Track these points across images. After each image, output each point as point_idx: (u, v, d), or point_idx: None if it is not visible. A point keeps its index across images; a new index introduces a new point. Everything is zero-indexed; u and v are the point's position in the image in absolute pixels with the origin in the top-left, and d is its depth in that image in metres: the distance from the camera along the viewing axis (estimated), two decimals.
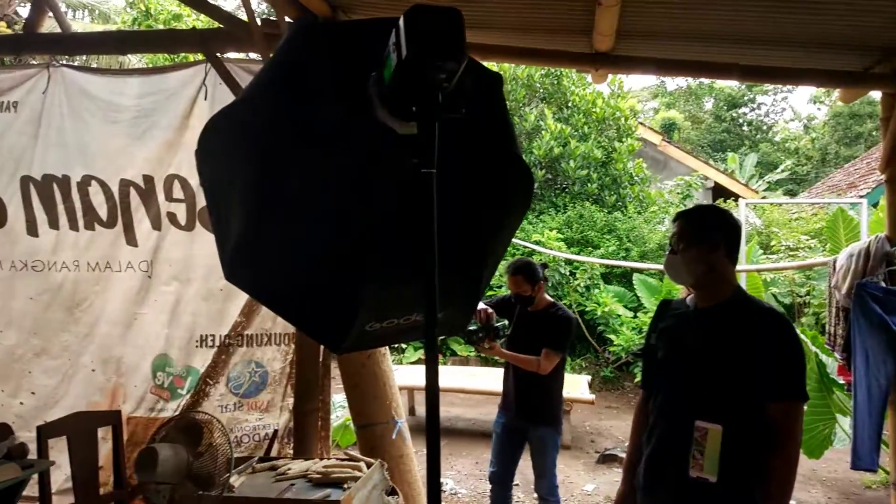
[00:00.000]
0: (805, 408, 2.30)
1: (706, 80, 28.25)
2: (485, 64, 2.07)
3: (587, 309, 9.63)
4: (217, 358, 4.14)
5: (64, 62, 4.35)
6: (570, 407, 6.86)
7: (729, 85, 27.59)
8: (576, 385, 7.03)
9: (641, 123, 14.00)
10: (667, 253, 2.42)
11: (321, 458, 3.24)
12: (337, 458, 3.14)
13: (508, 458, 4.00)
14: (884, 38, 3.44)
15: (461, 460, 6.34)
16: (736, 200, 11.54)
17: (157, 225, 4.22)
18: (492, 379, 7.06)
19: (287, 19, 3.51)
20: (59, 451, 3.46)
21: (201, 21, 10.52)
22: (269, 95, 1.67)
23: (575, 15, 3.36)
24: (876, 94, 4.31)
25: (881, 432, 3.98)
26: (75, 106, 4.21)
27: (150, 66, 9.74)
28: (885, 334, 3.86)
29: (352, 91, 1.47)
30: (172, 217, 4.21)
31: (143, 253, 4.22)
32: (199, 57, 4.16)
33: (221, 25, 3.84)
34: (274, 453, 3.78)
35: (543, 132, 11.65)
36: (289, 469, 2.94)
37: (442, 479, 5.67)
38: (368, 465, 3.00)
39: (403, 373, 7.49)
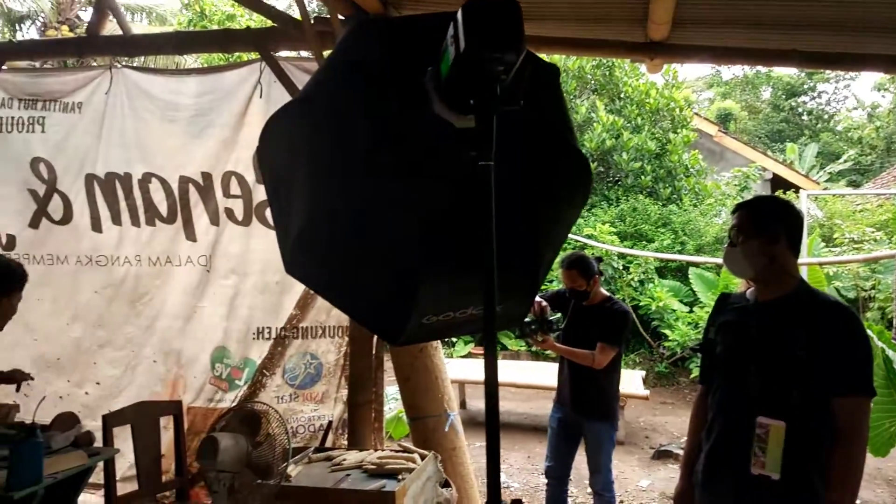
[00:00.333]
0: (871, 404, 2.21)
1: (763, 69, 27.44)
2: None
3: (641, 304, 9.48)
4: (273, 350, 4.22)
5: (124, 63, 4.49)
6: (624, 402, 6.76)
7: (788, 73, 26.76)
8: (630, 380, 6.94)
9: (697, 114, 13.70)
10: (726, 246, 2.36)
11: (375, 450, 3.27)
12: (391, 450, 3.17)
13: (564, 453, 3.98)
14: None
15: (513, 454, 6.34)
16: (796, 192, 11.20)
17: (215, 220, 4.32)
18: (543, 373, 7.02)
19: (339, 17, 3.55)
20: (123, 439, 3.58)
21: (254, 21, 10.71)
22: (327, 93, 1.69)
23: (629, 4, 3.30)
24: None
25: None
26: (136, 106, 4.34)
27: (206, 66, 9.95)
28: None
29: (409, 86, 1.48)
30: (230, 213, 4.31)
31: (201, 248, 4.32)
32: (254, 56, 4.23)
33: (275, 24, 3.91)
34: (328, 444, 3.83)
35: (595, 124, 11.50)
36: (344, 460, 2.98)
37: None
38: (422, 457, 3.02)
39: (454, 366, 7.50)
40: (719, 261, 9.40)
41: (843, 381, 2.08)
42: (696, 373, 8.55)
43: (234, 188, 4.30)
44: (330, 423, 4.04)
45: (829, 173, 18.01)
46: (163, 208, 4.35)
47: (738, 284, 8.78)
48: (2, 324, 2.68)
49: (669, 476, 5.82)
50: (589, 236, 9.67)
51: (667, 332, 9.20)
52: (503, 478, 5.65)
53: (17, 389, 3.47)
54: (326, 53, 3.71)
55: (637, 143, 11.28)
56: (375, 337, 3.94)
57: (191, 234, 4.35)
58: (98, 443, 3.39)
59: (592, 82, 12.23)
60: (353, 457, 3.03)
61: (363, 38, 1.73)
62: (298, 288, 4.25)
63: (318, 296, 4.12)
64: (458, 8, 1.16)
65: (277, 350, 4.23)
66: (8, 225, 4.48)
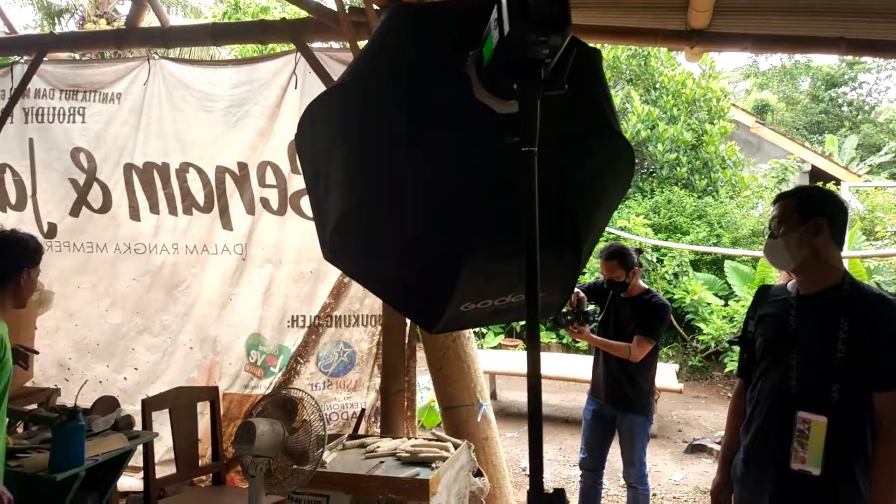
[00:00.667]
0: None
1: (802, 59, 26.88)
2: None
3: (675, 297, 9.36)
4: (307, 338, 4.26)
5: (162, 55, 4.55)
6: (657, 396, 6.70)
7: (828, 63, 26.17)
8: (663, 374, 6.86)
9: (734, 105, 13.45)
10: (766, 237, 2.31)
11: (408, 438, 3.29)
12: (424, 438, 3.18)
13: (598, 446, 3.95)
14: None
15: (545, 445, 6.24)
16: (837, 184, 10.96)
17: (250, 210, 4.37)
18: (574, 365, 6.99)
19: (375, 7, 3.54)
20: (160, 423, 3.65)
21: (288, 13, 10.77)
22: (365, 80, 1.69)
23: None
24: None
25: None
26: (173, 96, 4.39)
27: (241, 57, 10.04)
28: None
29: (447, 72, 1.47)
30: (265, 202, 4.35)
31: (237, 236, 4.37)
32: (289, 48, 4.25)
33: (310, 15, 3.92)
34: (361, 431, 3.86)
35: (630, 115, 11.36)
36: (378, 447, 3.00)
37: (525, 464, 5.69)
38: (455, 446, 3.03)
39: (484, 357, 7.48)
40: (756, 254, 9.31)
41: (886, 376, 2.04)
42: (730, 367, 8.44)
43: (270, 178, 4.34)
44: (363, 410, 4.07)
45: (870, 165, 17.58)
46: (200, 198, 4.41)
47: (774, 278, 8.63)
48: (25, 300, 2.58)
49: (703, 470, 5.77)
50: (622, 228, 9.57)
51: (701, 325, 9.08)
52: None
53: (26, 368, 3.52)
54: (362, 44, 3.72)
55: (672, 134, 11.12)
56: (408, 326, 3.96)
57: (227, 223, 4.40)
58: (137, 426, 3.46)
59: (627, 72, 12.08)
60: (386, 444, 3.05)
61: (400, 24, 1.72)
62: (332, 277, 4.29)
63: (355, 283, 4.18)
64: None
65: (311, 338, 4.27)
66: (50, 213, 4.58)
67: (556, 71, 1.24)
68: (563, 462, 5.80)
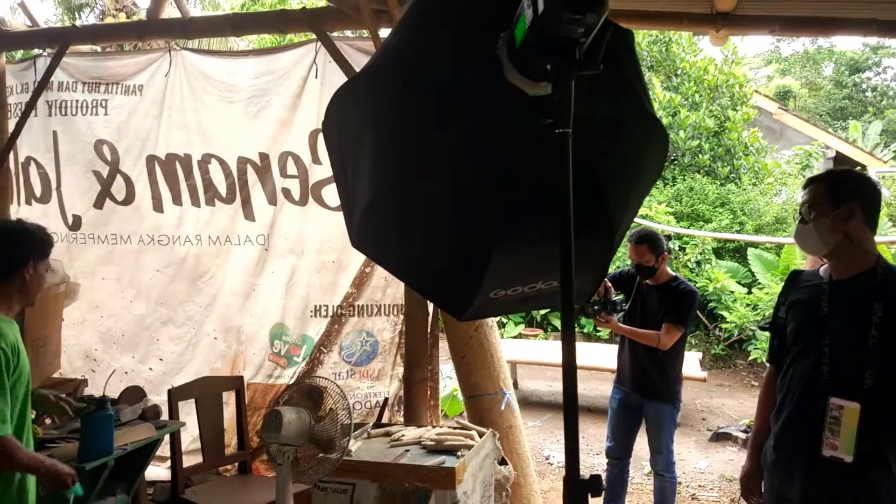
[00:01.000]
0: None
1: (825, 44, 26.43)
2: None
3: (698, 285, 9.26)
4: (330, 327, 4.27)
5: (183, 46, 4.55)
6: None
7: (851, 48, 25.70)
8: (687, 362, 6.78)
9: (756, 91, 13.27)
10: (797, 222, 2.27)
11: (433, 426, 3.28)
12: (449, 427, 3.18)
13: (625, 434, 3.94)
14: None
15: None
16: (863, 170, 10.78)
17: (272, 200, 4.37)
18: (596, 354, 6.96)
19: None
20: (185, 413, 3.68)
21: (308, 2, 10.75)
22: (394, 63, 1.66)
23: None
24: None
25: None
26: (195, 87, 4.40)
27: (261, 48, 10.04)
28: None
29: (479, 55, 1.45)
30: (287, 192, 4.35)
31: (260, 227, 4.38)
32: (308, 37, 4.23)
33: (330, 4, 3.90)
34: (384, 420, 3.86)
35: (651, 101, 11.24)
36: (403, 435, 3.00)
37: (548, 453, 5.69)
38: (480, 434, 3.02)
39: (505, 347, 7.46)
40: (780, 240, 9.20)
41: None
42: (754, 355, 8.37)
43: (291, 168, 4.34)
44: (386, 399, 4.07)
45: (894, 151, 17.27)
46: (222, 188, 4.42)
47: (798, 265, 8.52)
48: (32, 295, 2.36)
49: (728, 458, 5.74)
50: (644, 217, 9.49)
51: (724, 313, 9.00)
52: (558, 457, 5.65)
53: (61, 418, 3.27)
54: (383, 33, 3.70)
55: (694, 121, 11.00)
56: (430, 315, 3.95)
57: (249, 214, 4.41)
58: (164, 416, 3.49)
59: (648, 59, 11.94)
60: (411, 433, 3.05)
61: (428, 7, 1.70)
62: (354, 266, 4.29)
63: (377, 273, 4.19)
64: None
65: (334, 328, 4.28)
66: (74, 205, 4.62)
67: (591, 50, 1.21)
68: (586, 451, 5.77)
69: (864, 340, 2.06)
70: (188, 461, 3.58)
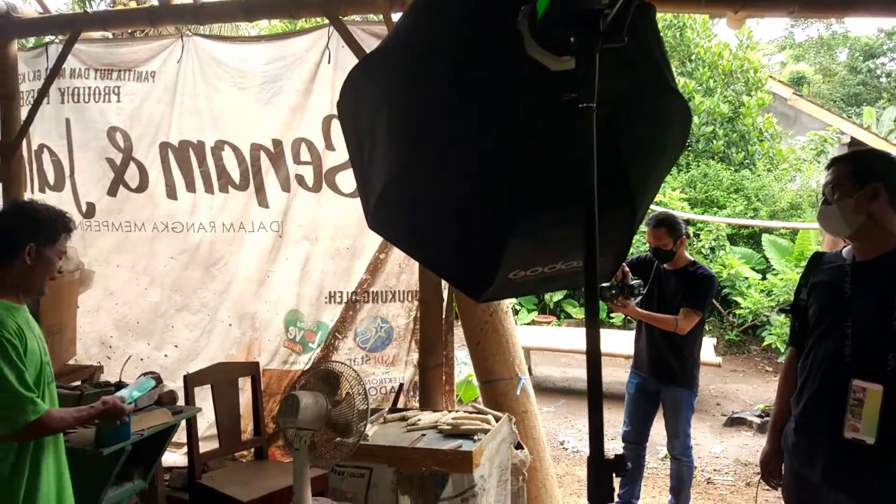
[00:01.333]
0: None
1: (840, 29, 26.11)
2: None
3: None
4: (345, 314, 4.26)
5: (195, 32, 4.53)
6: None
7: (866, 33, 25.40)
8: (702, 348, 6.81)
9: (771, 76, 13.13)
10: (820, 203, 2.24)
11: (449, 411, 3.27)
12: (465, 411, 3.16)
13: (642, 419, 3.93)
14: None
15: (582, 419, 6.34)
16: None
17: (286, 187, 4.35)
18: (609, 340, 6.95)
19: None
20: (201, 399, 3.68)
21: None
22: (409, 41, 1.64)
23: None
24: None
25: None
26: (207, 74, 4.38)
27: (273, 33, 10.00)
28: None
29: (496, 33, 1.43)
30: (300, 179, 4.33)
31: (273, 214, 4.37)
32: (319, 22, 4.20)
33: None
34: (400, 405, 3.86)
35: (674, 76, 11.13)
36: (419, 420, 2.99)
37: (563, 438, 5.68)
38: (496, 419, 3.00)
39: (518, 333, 7.48)
40: (794, 225, 9.12)
41: None
42: (769, 341, 8.33)
43: (304, 154, 4.31)
44: (401, 385, 4.07)
45: None
46: (235, 175, 4.41)
47: (812, 251, 8.44)
48: (37, 282, 2.22)
49: (743, 443, 5.74)
50: (658, 203, 9.43)
51: (738, 299, 8.95)
52: (573, 442, 5.66)
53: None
54: (396, 16, 3.66)
55: (709, 107, 10.89)
56: (445, 301, 3.94)
57: (263, 201, 4.39)
58: (180, 402, 3.49)
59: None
60: (427, 417, 3.04)
61: None
62: (368, 253, 4.27)
63: (391, 259, 4.17)
64: None
65: (349, 314, 4.27)
66: (88, 193, 4.62)
67: (616, 22, 1.19)
68: None
69: (888, 322, 2.04)
70: (204, 447, 3.59)
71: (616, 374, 6.85)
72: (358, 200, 4.22)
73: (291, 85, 4.25)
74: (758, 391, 7.35)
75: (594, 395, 1.37)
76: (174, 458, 4.18)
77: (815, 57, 27.31)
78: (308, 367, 4.15)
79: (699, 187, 10.45)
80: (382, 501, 2.66)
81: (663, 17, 11.17)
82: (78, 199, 4.63)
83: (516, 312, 10.13)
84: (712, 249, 9.47)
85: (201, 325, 4.50)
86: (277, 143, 4.32)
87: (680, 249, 3.78)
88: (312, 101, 4.24)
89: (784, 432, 2.36)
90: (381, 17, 3.82)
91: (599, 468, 1.31)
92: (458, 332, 4.11)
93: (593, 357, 1.33)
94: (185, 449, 3.85)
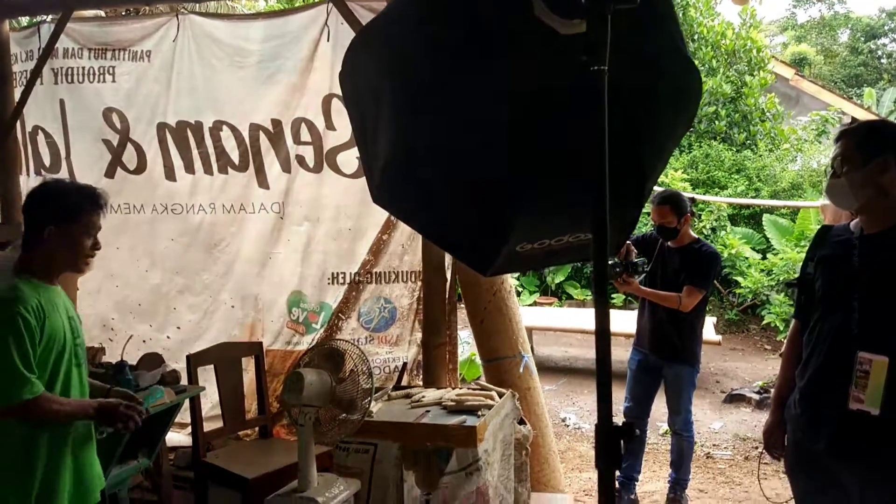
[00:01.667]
0: None
1: (841, 10, 25.93)
2: None
3: None
4: (348, 294, 4.25)
5: (191, 10, 4.47)
6: None
7: (868, 13, 25.22)
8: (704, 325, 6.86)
9: (774, 56, 13.06)
10: (828, 176, 2.21)
11: (453, 388, 3.27)
12: (469, 388, 3.16)
13: (643, 395, 3.93)
14: None
15: (582, 397, 6.39)
16: None
17: (286, 167, 4.32)
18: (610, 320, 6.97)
19: None
20: (204, 380, 3.67)
21: None
22: (418, 9, 1.60)
23: None
24: None
25: None
26: (204, 52, 4.32)
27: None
28: None
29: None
30: (301, 160, 4.29)
31: (274, 195, 4.34)
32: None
33: None
34: (403, 384, 3.85)
35: (685, 42, 11.05)
36: (423, 397, 2.99)
37: (564, 415, 5.71)
38: (500, 395, 3.00)
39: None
40: (796, 204, 9.09)
41: None
42: (768, 319, 8.35)
43: (305, 135, 4.27)
44: (405, 364, 4.06)
45: None
46: (234, 156, 4.37)
47: (813, 230, 8.43)
48: (67, 260, 2.22)
49: (742, 419, 5.79)
50: (660, 184, 9.41)
51: (738, 279, 8.95)
52: (574, 419, 5.70)
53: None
54: None
55: (711, 87, 10.82)
56: (448, 281, 3.93)
57: (263, 182, 4.36)
58: (183, 382, 3.49)
59: None
60: (431, 394, 3.03)
61: None
62: (371, 234, 4.25)
63: (394, 240, 4.16)
64: None
65: (352, 294, 4.25)
66: (85, 175, 4.56)
67: None
68: None
69: (894, 295, 2.02)
70: (208, 427, 3.58)
71: (616, 353, 6.76)
72: (360, 181, 4.26)
73: (290, 64, 4.20)
74: (757, 369, 7.39)
75: (602, 362, 1.37)
76: (178, 438, 4.18)
77: (816, 38, 27.15)
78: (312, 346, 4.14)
79: (701, 168, 10.43)
80: (387, 476, 2.66)
81: None
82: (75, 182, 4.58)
83: (518, 294, 10.11)
84: (713, 230, 9.46)
85: (203, 307, 4.48)
86: (277, 123, 4.28)
87: (684, 227, 3.76)
88: (312, 80, 4.19)
89: (788, 404, 2.36)
90: None
91: (608, 435, 1.30)
92: (461, 314, 4.11)
93: (602, 326, 1.33)
94: (188, 429, 3.85)
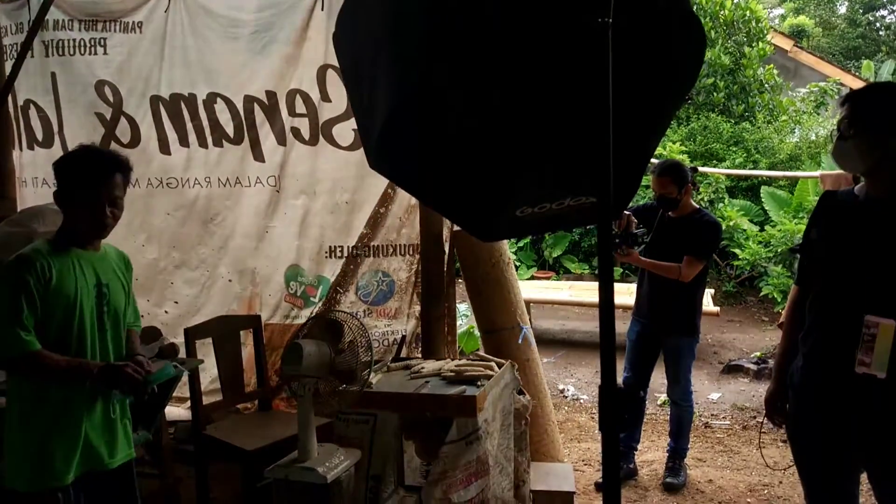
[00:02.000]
0: None
1: None
2: None
3: None
4: (346, 268, 4.23)
5: None
6: None
7: None
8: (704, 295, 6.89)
9: (773, 28, 12.95)
10: (834, 139, 2.18)
11: (452, 359, 3.26)
12: (468, 358, 3.16)
13: (643, 366, 3.93)
14: None
15: (581, 369, 6.43)
16: None
17: (282, 140, 4.27)
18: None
19: None
20: (203, 355, 3.66)
21: None
22: None
23: None
24: None
25: None
26: (196, 23, 4.25)
27: None
28: None
29: None
30: (296, 132, 4.24)
31: (270, 168, 4.29)
32: None
33: None
34: (402, 356, 3.85)
35: None
36: (422, 368, 2.98)
37: (563, 387, 5.74)
38: (499, 365, 2.99)
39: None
40: (794, 174, 9.06)
41: None
42: (766, 291, 8.38)
43: (300, 107, 4.22)
44: (403, 337, 4.06)
45: None
46: (229, 129, 4.31)
47: (811, 202, 8.41)
48: (87, 224, 2.25)
49: (739, 389, 5.84)
50: (658, 157, 9.37)
51: (736, 251, 8.95)
52: (573, 390, 5.74)
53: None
54: None
55: (710, 58, 10.71)
56: (447, 253, 3.91)
57: (258, 155, 4.31)
58: (181, 355, 3.47)
59: None
60: (430, 365, 3.03)
61: None
62: (368, 207, 4.22)
63: (391, 213, 4.14)
64: None
65: (350, 268, 4.24)
66: None
67: None
68: (598, 384, 5.86)
69: None
70: (207, 401, 3.58)
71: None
72: (356, 153, 4.22)
73: (284, 34, 4.14)
74: (754, 340, 7.43)
75: (606, 327, 1.35)
76: (178, 412, 4.19)
77: (814, 10, 26.91)
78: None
79: (699, 140, 10.38)
80: (387, 447, 2.66)
81: None
82: None
83: (516, 269, 10.13)
84: (711, 202, 9.44)
85: (200, 282, 4.45)
86: (271, 95, 4.22)
87: (685, 198, 3.74)
88: (307, 51, 4.13)
89: (791, 370, 2.35)
90: None
91: (611, 397, 1.29)
92: (460, 288, 4.10)
93: (606, 290, 1.32)
94: (188, 404, 3.85)
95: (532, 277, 9.88)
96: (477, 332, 4.15)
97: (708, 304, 6.72)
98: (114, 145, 4.41)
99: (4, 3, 4.61)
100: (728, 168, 9.72)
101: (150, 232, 4.49)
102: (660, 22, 1.48)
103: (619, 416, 1.29)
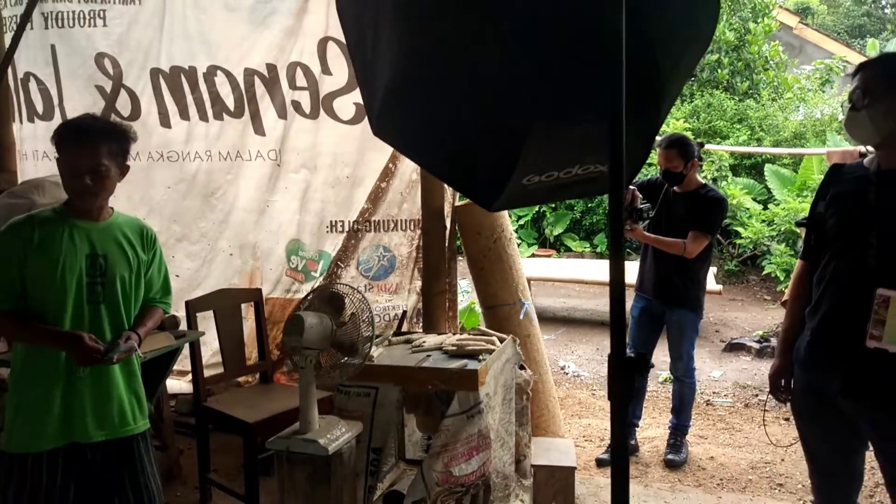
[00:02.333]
0: None
1: None
2: None
3: None
4: (346, 242, 4.22)
5: None
6: None
7: None
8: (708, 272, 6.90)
9: (778, 4, 12.80)
10: (846, 110, 2.15)
11: (453, 333, 3.25)
12: (470, 333, 3.15)
13: (645, 342, 3.92)
14: None
15: (581, 346, 6.44)
16: None
17: (282, 114, 4.23)
18: (607, 271, 7.00)
19: None
20: (204, 328, 3.65)
21: None
22: None
23: None
24: None
25: None
26: None
27: None
28: None
29: None
30: (297, 105, 4.21)
31: (270, 142, 4.26)
32: None
33: None
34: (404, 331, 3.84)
35: None
36: (424, 342, 2.97)
37: (563, 363, 5.75)
38: (501, 340, 2.98)
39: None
40: (799, 151, 9.01)
41: None
42: (768, 270, 8.36)
43: (301, 80, 4.19)
44: (404, 312, 4.05)
45: None
46: (229, 102, 4.28)
47: (816, 180, 8.37)
48: (67, 187, 2.25)
49: (741, 367, 5.84)
50: (662, 134, 9.30)
51: (739, 229, 8.93)
52: (573, 367, 5.75)
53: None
54: None
55: (715, 35, 10.62)
56: (448, 229, 3.89)
57: (259, 129, 4.28)
58: (182, 328, 3.47)
59: None
60: (432, 339, 3.02)
61: None
62: (369, 182, 4.20)
63: (392, 188, 4.12)
64: None
65: (351, 243, 4.23)
66: None
67: None
68: (600, 361, 5.91)
69: None
70: (208, 374, 3.58)
71: None
72: (357, 127, 4.19)
73: (284, 6, 4.10)
74: (756, 319, 7.42)
75: (616, 295, 1.34)
76: (179, 385, 4.19)
77: None
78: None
79: (703, 117, 10.31)
80: (388, 420, 2.65)
81: None
82: None
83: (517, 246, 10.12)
84: (714, 180, 9.40)
85: (202, 255, 4.44)
86: (272, 68, 4.19)
87: (691, 172, 3.71)
88: (307, 23, 4.09)
89: (796, 346, 2.33)
90: None
91: (621, 366, 1.28)
92: (461, 264, 4.08)
93: (616, 254, 1.30)
94: (188, 377, 3.85)
95: (533, 255, 9.87)
96: (478, 308, 4.14)
97: (710, 282, 6.72)
98: (114, 118, 4.38)
99: None
100: (732, 145, 9.66)
101: (152, 205, 4.47)
102: None
103: (630, 384, 1.27)
